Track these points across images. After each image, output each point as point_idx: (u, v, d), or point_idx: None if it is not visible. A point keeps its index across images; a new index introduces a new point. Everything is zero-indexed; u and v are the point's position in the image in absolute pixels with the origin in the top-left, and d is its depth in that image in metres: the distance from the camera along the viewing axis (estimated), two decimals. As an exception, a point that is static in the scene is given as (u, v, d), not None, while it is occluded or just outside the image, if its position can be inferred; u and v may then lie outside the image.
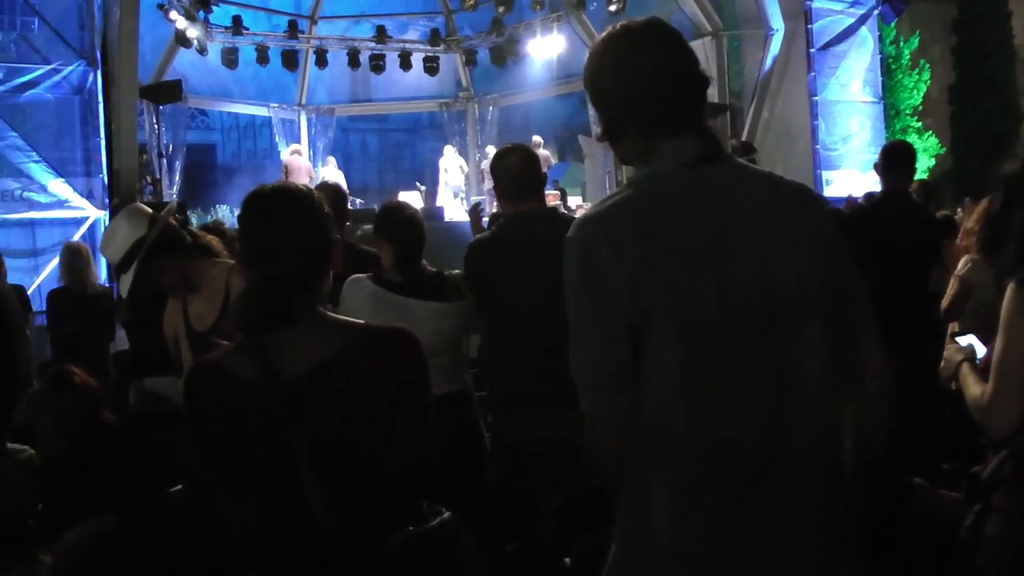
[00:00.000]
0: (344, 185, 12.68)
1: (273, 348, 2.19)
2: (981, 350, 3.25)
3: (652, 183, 2.18)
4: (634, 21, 2.23)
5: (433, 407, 2.33)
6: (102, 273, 11.39)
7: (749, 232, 2.11)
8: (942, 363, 3.34)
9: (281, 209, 2.31)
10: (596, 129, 2.49)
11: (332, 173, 18.61)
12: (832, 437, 2.15)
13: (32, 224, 12.29)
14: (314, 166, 22.61)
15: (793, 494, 2.07)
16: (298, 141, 23.07)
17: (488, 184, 20.64)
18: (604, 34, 2.27)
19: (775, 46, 17.59)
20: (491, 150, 19.14)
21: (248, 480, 2.23)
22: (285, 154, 20.02)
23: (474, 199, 22.13)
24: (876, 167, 6.15)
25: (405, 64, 21.97)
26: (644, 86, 2.17)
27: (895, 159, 5.95)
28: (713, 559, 2.06)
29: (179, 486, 4.06)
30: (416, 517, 2.27)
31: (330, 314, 2.35)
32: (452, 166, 20.62)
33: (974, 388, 3.08)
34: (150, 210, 3.89)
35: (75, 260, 8.21)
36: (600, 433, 2.16)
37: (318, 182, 19.44)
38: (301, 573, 2.21)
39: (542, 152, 17.90)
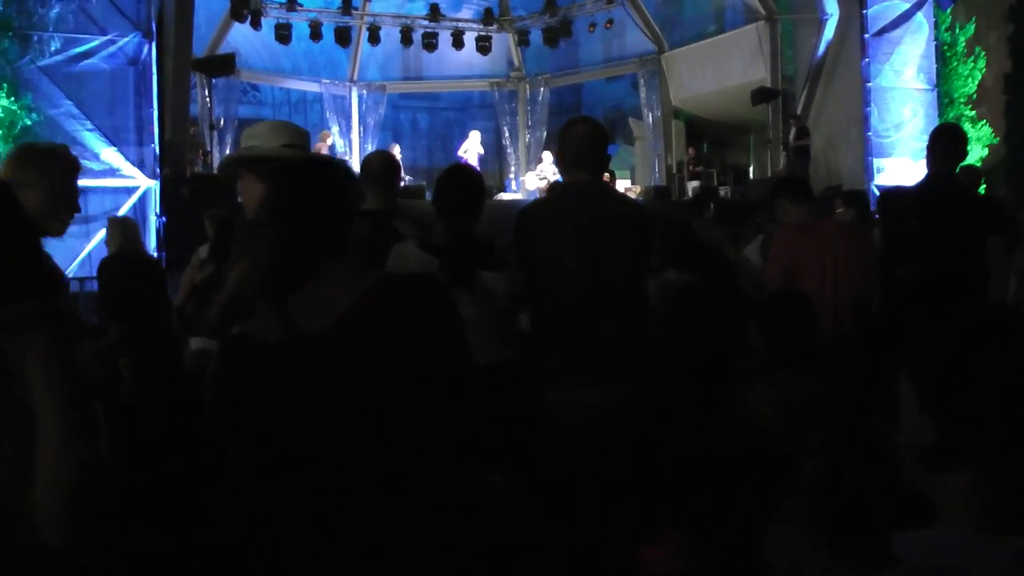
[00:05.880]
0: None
1: (294, 308, 2.23)
2: None
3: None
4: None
5: (463, 351, 2.32)
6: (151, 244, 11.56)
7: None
8: None
9: (308, 179, 2.34)
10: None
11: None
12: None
13: (84, 191, 12.37)
14: (363, 144, 22.75)
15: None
16: (349, 117, 23.17)
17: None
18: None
19: (829, 31, 17.47)
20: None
21: (286, 440, 2.21)
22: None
23: (523, 178, 22.20)
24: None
25: (457, 43, 22.02)
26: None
27: (932, 142, 5.89)
28: None
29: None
30: (456, 469, 2.29)
31: (352, 268, 2.33)
32: (472, 152, 20.62)
33: None
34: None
35: (130, 229, 8.26)
36: None
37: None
38: (340, 529, 2.19)
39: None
